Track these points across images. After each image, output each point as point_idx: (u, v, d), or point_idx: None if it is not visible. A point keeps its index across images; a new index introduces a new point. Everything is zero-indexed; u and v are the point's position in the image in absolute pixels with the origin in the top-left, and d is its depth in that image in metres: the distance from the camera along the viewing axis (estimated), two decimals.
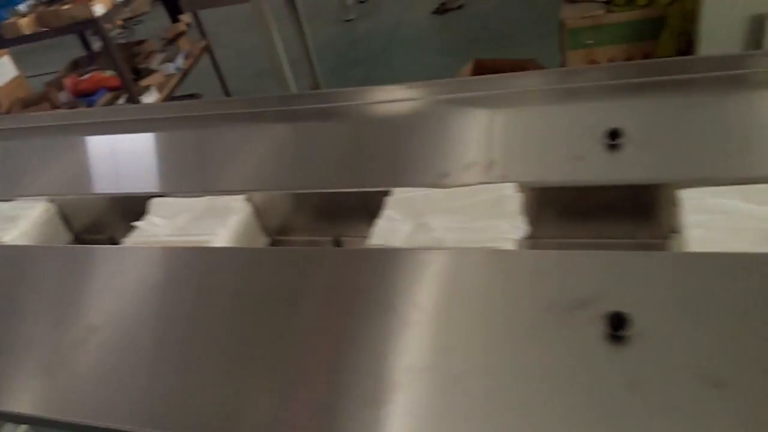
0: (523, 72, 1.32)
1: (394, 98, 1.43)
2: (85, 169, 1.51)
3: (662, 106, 1.16)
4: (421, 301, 0.88)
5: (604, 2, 3.12)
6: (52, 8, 3.53)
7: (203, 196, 1.25)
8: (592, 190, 1.04)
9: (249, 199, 1.22)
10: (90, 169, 1.51)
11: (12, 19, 3.60)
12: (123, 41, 5.36)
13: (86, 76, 3.93)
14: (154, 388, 0.88)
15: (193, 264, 1.09)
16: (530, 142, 1.17)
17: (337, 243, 1.23)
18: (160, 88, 3.88)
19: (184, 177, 1.36)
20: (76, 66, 4.28)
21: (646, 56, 3.10)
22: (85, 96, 3.80)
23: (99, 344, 0.96)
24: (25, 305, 1.09)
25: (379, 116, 1.42)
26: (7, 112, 3.82)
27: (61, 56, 4.84)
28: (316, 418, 0.77)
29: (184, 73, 4.16)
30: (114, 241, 1.34)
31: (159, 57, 4.12)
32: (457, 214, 1.04)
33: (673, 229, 0.98)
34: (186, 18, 4.88)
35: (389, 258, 0.99)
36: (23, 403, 0.91)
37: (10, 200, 1.44)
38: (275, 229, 1.28)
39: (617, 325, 0.75)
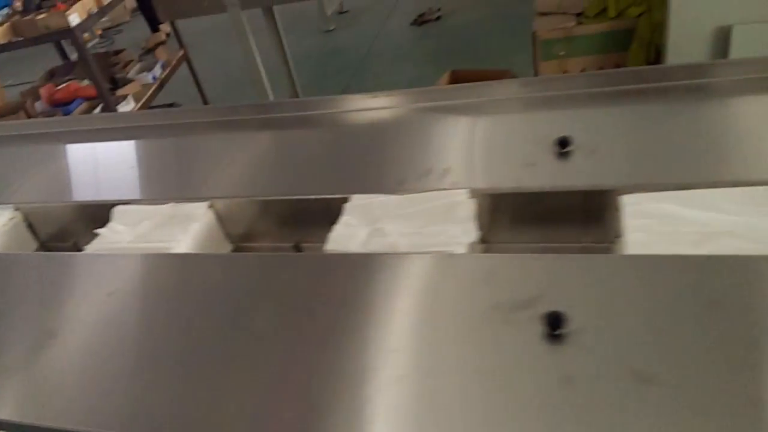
0: (481, 82, 1.35)
1: (359, 107, 1.46)
2: (53, 177, 1.52)
3: (611, 116, 1.20)
4: (372, 304, 0.91)
5: (575, 14, 3.19)
6: (28, 18, 3.52)
7: (167, 203, 1.26)
8: (542, 196, 1.08)
9: (212, 207, 1.24)
10: (57, 178, 1.52)
11: None
12: (102, 50, 5.35)
13: (62, 86, 3.91)
14: (111, 392, 0.89)
15: (152, 270, 1.11)
16: (485, 150, 1.20)
17: (298, 249, 1.25)
18: (137, 97, 3.88)
19: (149, 185, 1.38)
20: (52, 75, 4.27)
21: (617, 67, 3.17)
22: (61, 105, 3.79)
23: (56, 349, 0.97)
24: None
25: (343, 125, 1.45)
26: None
27: (40, 66, 4.82)
28: (254, 419, 0.79)
29: (161, 83, 4.16)
30: (78, 249, 1.34)
31: (136, 67, 4.12)
32: (411, 220, 1.07)
33: (617, 234, 1.01)
34: (166, 28, 4.90)
35: (344, 262, 1.02)
36: None
37: None
38: (239, 236, 1.30)
39: (555, 325, 0.78)
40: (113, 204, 1.30)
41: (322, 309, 0.93)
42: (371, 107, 1.45)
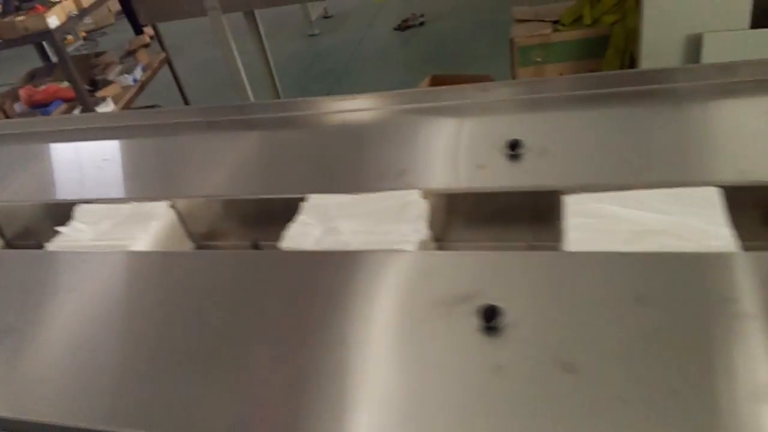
0: (441, 87, 1.39)
1: (325, 110, 1.49)
2: (18, 176, 1.53)
3: (562, 119, 1.24)
4: (320, 300, 0.94)
5: (551, 22, 3.25)
6: (6, 19, 3.52)
7: (129, 202, 1.28)
8: (492, 196, 1.11)
9: (173, 206, 1.26)
10: (23, 177, 1.53)
11: None
12: (85, 53, 5.35)
13: (41, 88, 3.91)
14: (69, 387, 0.91)
15: (109, 267, 1.13)
16: (439, 152, 1.24)
17: (257, 247, 1.28)
18: (117, 99, 3.88)
19: (112, 185, 1.39)
20: (32, 77, 4.27)
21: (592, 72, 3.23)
22: (40, 107, 3.79)
23: (14, 344, 0.99)
24: None
25: (309, 127, 1.48)
26: None
27: (21, 68, 4.81)
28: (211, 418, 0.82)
29: (142, 85, 4.17)
30: (41, 247, 1.36)
31: (117, 69, 4.13)
32: (364, 219, 1.09)
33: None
34: (150, 30, 4.90)
35: (297, 260, 1.05)
36: None
37: None
38: (201, 235, 1.32)
39: (490, 318, 0.81)
40: (77, 203, 1.32)
41: (272, 305, 0.95)
42: (337, 110, 1.49)
